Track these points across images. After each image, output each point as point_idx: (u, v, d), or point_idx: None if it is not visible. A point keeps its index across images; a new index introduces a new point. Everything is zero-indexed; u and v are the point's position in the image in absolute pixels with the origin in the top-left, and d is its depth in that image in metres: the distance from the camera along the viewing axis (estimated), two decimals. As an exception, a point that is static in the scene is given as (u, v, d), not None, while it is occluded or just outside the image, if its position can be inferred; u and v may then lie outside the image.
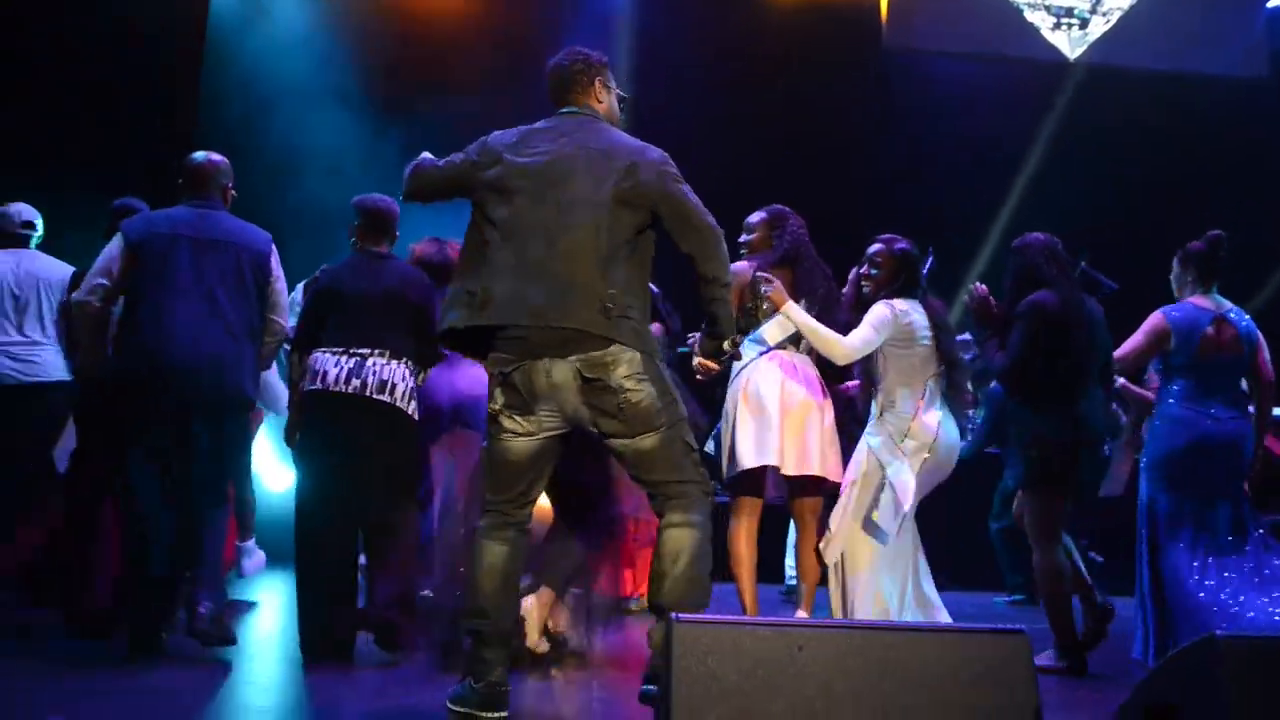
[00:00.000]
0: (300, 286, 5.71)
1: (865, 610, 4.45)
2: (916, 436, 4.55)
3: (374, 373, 4.31)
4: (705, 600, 3.24)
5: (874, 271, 4.74)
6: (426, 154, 3.49)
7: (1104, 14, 10.50)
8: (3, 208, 5.75)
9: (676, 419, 3.25)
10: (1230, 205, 9.78)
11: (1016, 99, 10.19)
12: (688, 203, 3.25)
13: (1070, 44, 10.33)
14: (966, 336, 7.63)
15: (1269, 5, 10.89)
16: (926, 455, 4.55)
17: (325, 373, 4.31)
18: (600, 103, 3.48)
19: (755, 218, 5.03)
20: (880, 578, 4.49)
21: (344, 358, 4.33)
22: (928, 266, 5.16)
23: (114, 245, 4.41)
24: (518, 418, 3.26)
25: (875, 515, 4.54)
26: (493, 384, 3.29)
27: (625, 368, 3.15)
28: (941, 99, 10.07)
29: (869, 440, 4.68)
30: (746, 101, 9.68)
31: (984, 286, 4.93)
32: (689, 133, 8.91)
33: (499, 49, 9.05)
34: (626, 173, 3.22)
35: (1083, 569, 4.88)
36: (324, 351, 4.37)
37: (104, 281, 4.36)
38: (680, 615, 2.32)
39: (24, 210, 5.76)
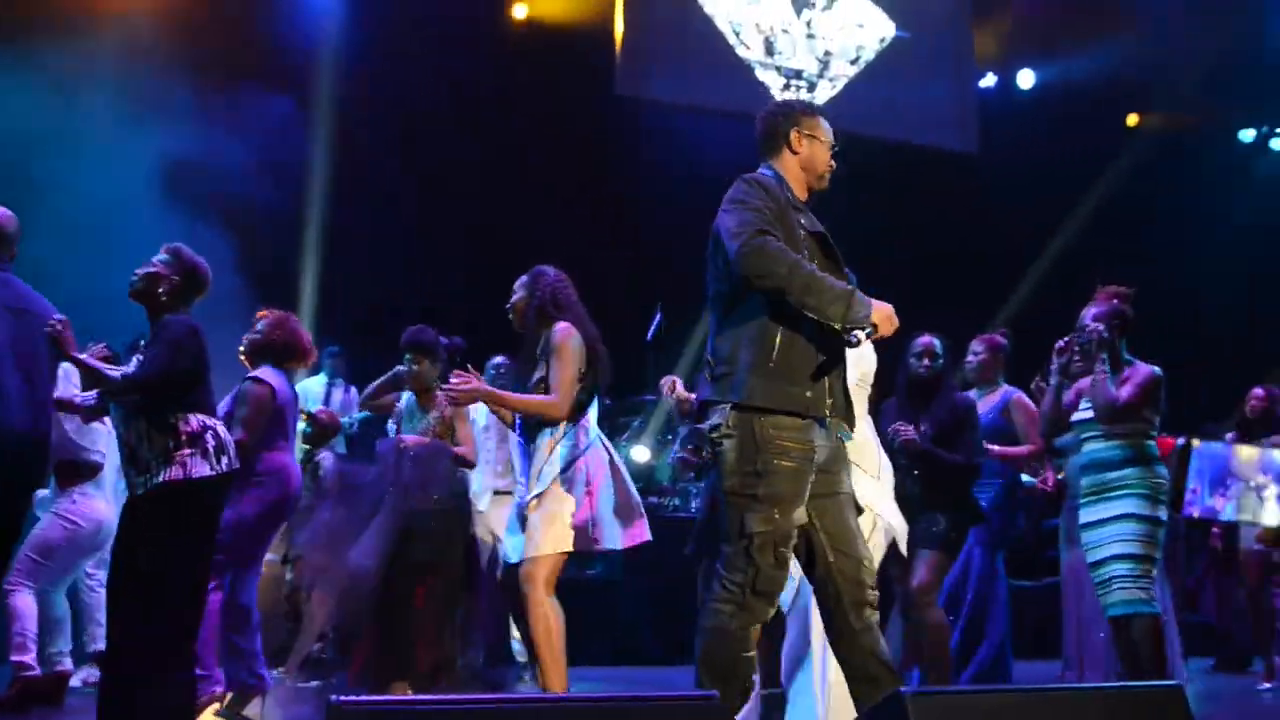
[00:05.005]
0: None
1: None
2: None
3: None
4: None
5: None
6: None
7: (830, 80, 10.68)
8: None
9: (743, 491, 3.04)
10: (944, 272, 10.12)
11: (745, 156, 10.11)
12: (719, 225, 3.21)
13: (798, 106, 10.41)
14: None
15: (980, 85, 11.43)
16: None
17: None
18: (796, 153, 3.45)
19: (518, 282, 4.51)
20: None
21: None
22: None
23: None
24: None
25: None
26: None
27: (716, 417, 3.14)
28: (671, 149, 9.85)
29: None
30: (477, 136, 9.20)
31: None
32: (413, 164, 8.44)
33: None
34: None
35: None
36: None
37: None
38: (909, 690, 2.39)
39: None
